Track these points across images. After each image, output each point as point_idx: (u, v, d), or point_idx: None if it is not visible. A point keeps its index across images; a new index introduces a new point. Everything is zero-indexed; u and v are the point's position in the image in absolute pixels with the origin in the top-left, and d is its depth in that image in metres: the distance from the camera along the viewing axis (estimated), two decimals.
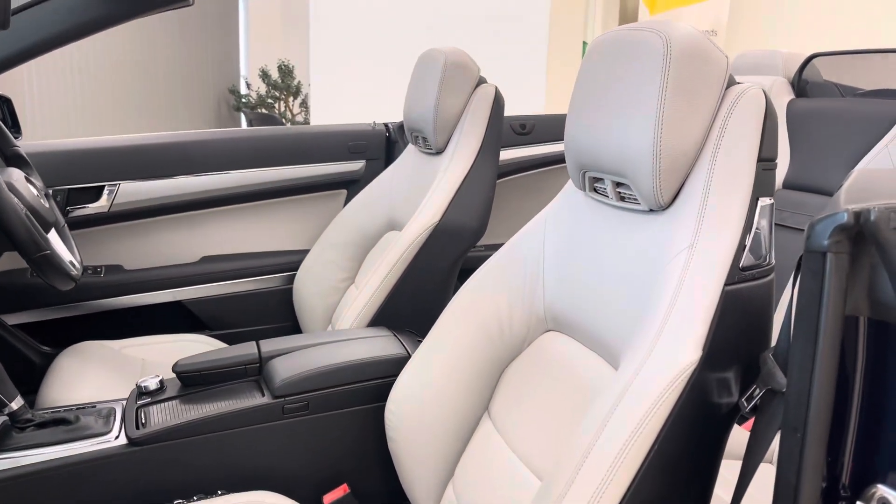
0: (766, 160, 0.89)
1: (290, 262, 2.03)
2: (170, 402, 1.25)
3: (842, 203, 0.67)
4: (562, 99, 4.15)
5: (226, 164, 1.97)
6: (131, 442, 1.15)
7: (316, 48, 4.30)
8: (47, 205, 1.47)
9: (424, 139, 1.74)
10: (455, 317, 1.22)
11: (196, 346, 1.80)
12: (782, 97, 1.87)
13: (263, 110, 7.84)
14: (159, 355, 1.74)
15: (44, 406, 1.41)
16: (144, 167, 1.90)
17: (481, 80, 1.71)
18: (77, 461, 1.11)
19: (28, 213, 1.36)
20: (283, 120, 7.60)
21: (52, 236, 1.50)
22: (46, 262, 1.34)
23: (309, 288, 1.93)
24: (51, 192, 1.79)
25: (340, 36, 4.20)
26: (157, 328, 1.92)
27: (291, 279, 2.02)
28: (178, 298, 1.95)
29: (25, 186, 1.42)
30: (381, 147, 2.11)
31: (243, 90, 8.12)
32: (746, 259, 0.86)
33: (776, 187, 1.81)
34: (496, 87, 1.70)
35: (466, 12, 3.86)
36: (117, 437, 1.16)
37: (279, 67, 7.72)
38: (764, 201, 0.89)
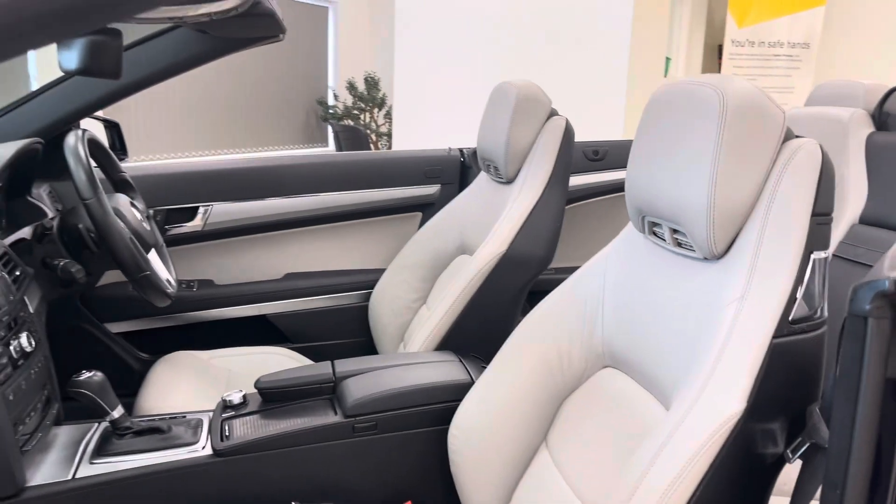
0: (820, 214, 0.91)
1: (366, 280, 2.12)
2: (251, 417, 1.35)
3: (885, 268, 0.69)
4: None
5: (310, 188, 2.09)
6: (216, 453, 1.25)
7: (400, 62, 4.43)
8: (148, 227, 1.61)
9: (496, 168, 1.80)
10: (518, 347, 1.27)
11: (277, 358, 1.92)
12: (862, 130, 1.83)
13: (349, 122, 8.07)
14: (244, 367, 1.87)
15: (141, 413, 1.54)
16: (235, 190, 2.04)
17: (553, 112, 1.76)
18: (168, 468, 1.23)
19: (132, 236, 1.51)
20: (367, 131, 7.79)
21: (152, 256, 1.64)
22: (146, 282, 1.48)
23: (383, 307, 2.02)
24: (151, 212, 1.95)
25: (424, 51, 4.31)
26: (243, 340, 2.05)
27: (368, 297, 2.12)
28: (262, 313, 2.07)
29: (130, 211, 1.56)
30: (456, 172, 2.18)
31: (331, 101, 8.38)
32: (797, 312, 0.88)
33: (853, 221, 1.78)
34: (566, 120, 1.74)
35: (548, 24, 3.89)
36: (204, 448, 1.27)
37: (365, 80, 7.95)
38: (818, 255, 0.91)
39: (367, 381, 1.39)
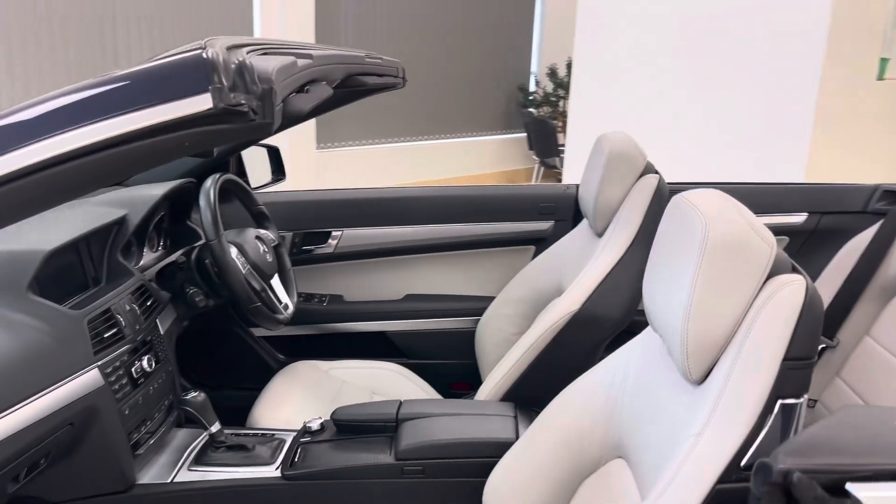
0: (795, 359, 0.88)
1: (477, 307, 2.24)
2: (322, 445, 1.54)
3: (781, 454, 0.69)
4: (838, 144, 3.72)
5: (432, 218, 2.24)
6: (283, 476, 1.46)
7: (581, 50, 4.37)
8: (271, 258, 1.85)
9: (589, 219, 1.82)
10: (549, 419, 1.33)
11: (389, 374, 2.11)
12: None
13: (542, 111, 8.09)
14: (357, 379, 2.08)
15: (252, 421, 1.80)
16: (365, 217, 2.24)
17: (648, 169, 1.74)
18: (243, 484, 1.46)
19: (251, 269, 1.75)
20: (562, 121, 7.76)
21: (275, 281, 1.88)
22: (256, 312, 1.72)
23: (487, 336, 2.12)
24: (286, 237, 2.21)
25: (606, 42, 4.23)
26: (364, 353, 2.27)
27: (477, 322, 2.23)
28: (382, 329, 2.27)
29: (254, 246, 1.81)
30: (570, 209, 2.21)
31: (532, 88, 8.45)
32: (751, 458, 0.87)
33: None
34: (659, 178, 1.71)
35: (738, 27, 3.65)
36: (276, 469, 1.48)
37: (567, 66, 7.91)
38: (787, 401, 0.88)
39: (422, 427, 1.52)
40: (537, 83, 8.43)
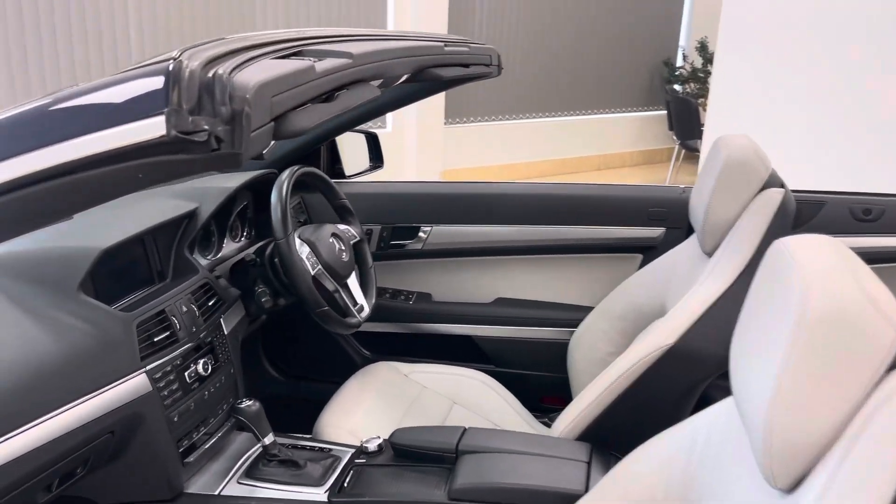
0: None
1: (573, 318, 2.04)
2: (376, 470, 1.43)
3: None
4: None
5: (527, 218, 2.05)
6: (329, 501, 1.36)
7: (728, 23, 3.97)
8: (346, 257, 1.75)
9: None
10: (622, 479, 1.13)
11: (471, 382, 1.97)
12: None
13: (689, 88, 7.55)
14: (438, 385, 1.95)
15: (318, 429, 1.71)
16: (457, 213, 2.09)
17: (772, 181, 1.46)
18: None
19: (322, 269, 1.66)
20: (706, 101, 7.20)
21: (351, 280, 1.78)
22: (324, 316, 1.62)
23: (580, 352, 1.93)
24: (374, 230, 2.10)
25: (755, 19, 3.80)
26: (448, 355, 2.14)
27: (572, 334, 2.03)
28: (468, 333, 2.13)
29: (329, 245, 1.71)
30: (685, 216, 1.94)
31: (679, 63, 7.90)
32: None
33: None
34: (784, 194, 1.43)
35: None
36: (324, 493, 1.38)
37: None
38: None
39: (483, 464, 1.36)
40: (685, 57, 7.87)
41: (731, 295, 1.40)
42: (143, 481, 1.37)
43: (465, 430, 1.47)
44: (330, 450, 1.54)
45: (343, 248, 1.77)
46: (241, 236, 1.94)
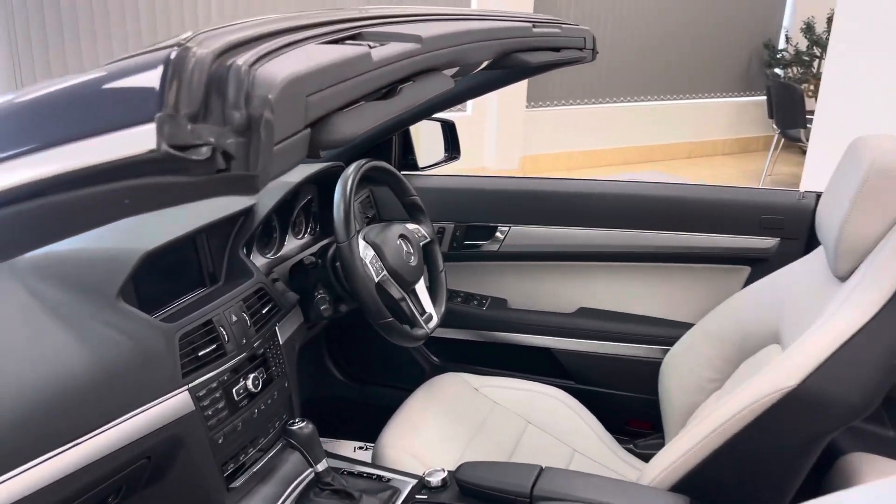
0: None
1: (667, 335, 1.82)
2: None
3: None
4: None
5: (616, 221, 1.84)
6: None
7: (844, 4, 3.59)
8: (415, 261, 1.59)
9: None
10: None
11: (548, 401, 1.78)
12: None
13: (791, 72, 7.02)
14: (513, 402, 1.77)
15: (377, 452, 1.56)
16: (536, 213, 1.90)
17: None
18: None
19: (388, 275, 1.50)
20: (812, 83, 6.68)
21: (420, 286, 1.62)
22: (387, 328, 1.47)
23: (674, 376, 1.71)
24: (447, 228, 1.93)
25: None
26: (522, 369, 1.95)
27: (665, 352, 1.81)
28: (547, 346, 1.94)
29: (396, 248, 1.55)
30: (805, 226, 1.68)
31: (781, 45, 7.38)
32: None
33: None
34: None
35: None
36: None
37: (829, 20, 6.75)
38: None
39: None
40: (788, 39, 7.34)
41: (871, 332, 1.16)
42: None
43: (541, 469, 1.28)
44: (389, 479, 1.39)
45: (411, 251, 1.61)
46: (305, 233, 1.81)
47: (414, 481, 1.36)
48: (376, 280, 1.47)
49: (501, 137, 6.22)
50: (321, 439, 2.21)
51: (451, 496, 1.29)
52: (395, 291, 1.54)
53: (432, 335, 2.02)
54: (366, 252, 1.50)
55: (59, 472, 0.97)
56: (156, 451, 1.14)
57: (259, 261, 1.61)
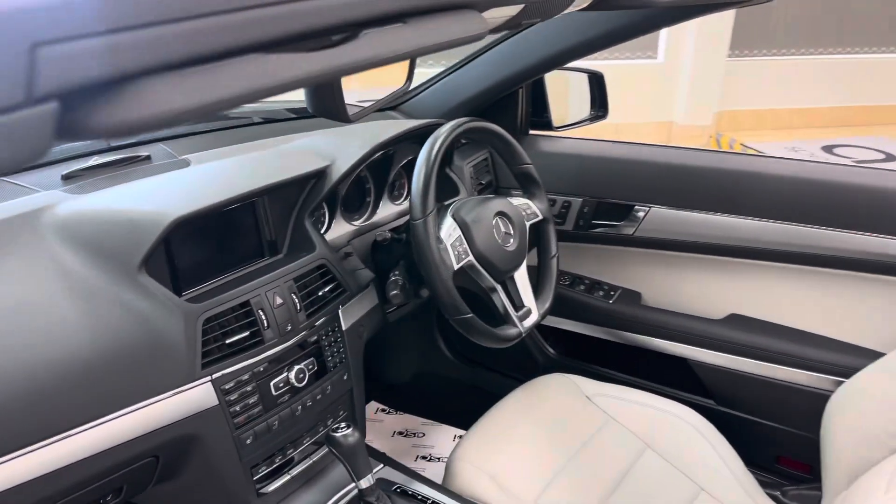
0: None
1: (844, 363, 1.41)
2: None
3: None
4: None
5: (791, 214, 1.43)
6: None
7: None
8: (514, 245, 1.32)
9: None
10: None
11: (677, 421, 1.46)
12: None
13: None
14: (630, 417, 1.47)
15: (453, 461, 1.33)
16: (686, 194, 1.53)
17: None
18: None
19: (475, 261, 1.25)
20: None
21: (519, 275, 1.35)
22: (466, 325, 1.23)
23: (847, 417, 1.30)
24: (573, 203, 1.63)
25: None
26: (651, 378, 1.63)
27: (838, 385, 1.41)
28: (684, 355, 1.59)
29: (488, 228, 1.30)
30: None
31: None
32: None
33: None
34: None
35: None
36: None
37: None
38: None
39: None
40: None
41: None
42: None
43: None
44: None
45: (511, 232, 1.33)
46: (405, 198, 1.59)
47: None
48: (456, 267, 1.23)
49: (695, 88, 5.58)
50: (422, 420, 2.05)
51: None
52: (483, 281, 1.28)
53: (549, 324, 1.75)
54: (451, 232, 1.26)
55: (42, 467, 0.85)
56: (165, 450, 0.99)
57: (342, 229, 1.42)
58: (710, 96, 5.64)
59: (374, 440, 1.99)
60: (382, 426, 2.05)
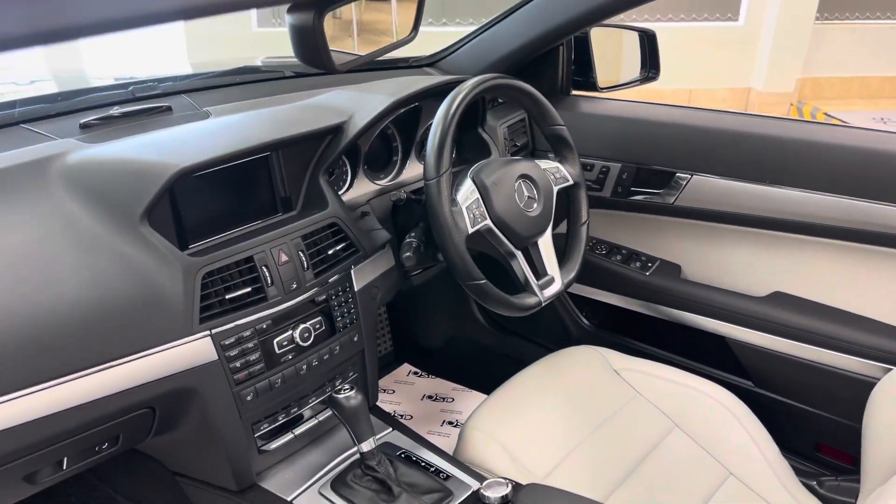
0: None
1: (893, 349, 1.30)
2: None
3: None
4: None
5: (847, 187, 1.31)
6: None
7: None
8: (536, 210, 1.27)
9: None
10: None
11: (709, 402, 1.38)
12: None
13: None
14: (660, 394, 1.40)
15: (470, 426, 1.30)
16: (732, 161, 1.43)
17: None
18: None
19: (493, 225, 1.20)
20: None
21: (543, 241, 1.30)
22: (479, 290, 1.18)
23: (893, 407, 1.21)
24: (611, 168, 1.55)
25: None
26: (685, 354, 1.55)
27: (886, 372, 1.30)
28: (722, 333, 1.50)
29: (509, 190, 1.24)
30: None
31: None
32: None
33: None
34: None
35: None
36: None
37: None
38: None
39: None
40: None
41: None
42: (204, 462, 1.12)
43: None
44: (447, 477, 1.13)
45: (534, 196, 1.27)
46: None
47: (473, 488, 1.09)
48: (471, 230, 1.18)
49: (778, 53, 5.28)
50: (453, 385, 2.03)
51: None
52: (502, 246, 1.23)
53: (581, 294, 1.68)
54: (468, 195, 1.20)
55: (34, 412, 0.86)
56: (162, 402, 1.00)
57: (365, 187, 1.38)
58: (793, 62, 5.32)
59: (403, 402, 1.98)
60: (413, 389, 2.04)
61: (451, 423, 1.85)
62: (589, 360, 1.47)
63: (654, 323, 1.60)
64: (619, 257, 1.63)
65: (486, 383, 1.91)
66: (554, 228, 1.33)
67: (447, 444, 1.24)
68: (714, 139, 1.46)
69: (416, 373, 2.11)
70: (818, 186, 1.34)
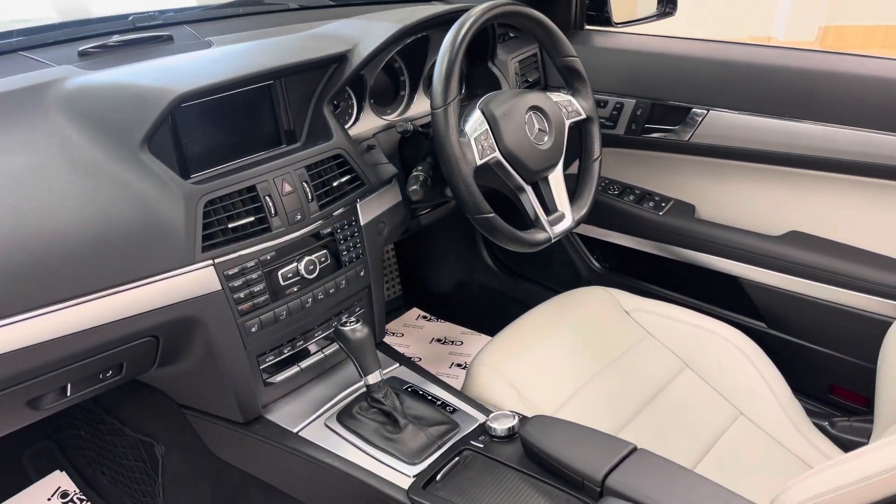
0: None
1: None
2: (489, 466, 0.98)
3: None
4: None
5: (860, 119, 1.27)
6: (408, 497, 0.96)
7: None
8: (547, 144, 1.23)
9: None
10: None
11: (721, 342, 1.36)
12: None
13: None
14: (670, 335, 1.40)
15: (477, 363, 1.29)
16: (745, 96, 1.38)
17: None
18: (360, 480, 1.01)
19: (502, 158, 1.17)
20: None
21: (554, 177, 1.27)
22: (487, 225, 1.16)
23: None
24: (625, 105, 1.50)
25: None
26: (697, 295, 1.53)
27: None
28: (736, 274, 1.47)
29: (518, 122, 1.21)
30: None
31: None
32: None
33: None
34: None
35: None
36: (412, 476, 0.99)
37: None
38: None
39: None
40: None
41: None
42: (210, 395, 1.11)
43: (634, 448, 0.93)
44: (454, 410, 1.12)
45: (545, 129, 1.24)
46: None
47: (480, 420, 1.08)
48: (479, 162, 1.15)
49: (799, 0, 5.13)
50: (462, 329, 2.02)
51: (510, 454, 1.00)
52: (512, 180, 1.20)
53: (591, 235, 1.66)
54: (477, 126, 1.17)
55: (33, 336, 0.85)
56: (165, 331, 0.99)
57: (371, 122, 1.35)
58: (815, 9, 5.17)
59: (412, 345, 1.97)
60: (422, 332, 2.03)
61: (459, 365, 1.85)
62: (599, 301, 1.45)
63: (666, 264, 1.58)
64: (632, 197, 1.60)
65: (496, 327, 1.89)
66: (565, 168, 1.29)
67: (455, 385, 1.24)
68: (732, 72, 1.41)
69: (424, 317, 2.10)
70: (841, 120, 1.29)
